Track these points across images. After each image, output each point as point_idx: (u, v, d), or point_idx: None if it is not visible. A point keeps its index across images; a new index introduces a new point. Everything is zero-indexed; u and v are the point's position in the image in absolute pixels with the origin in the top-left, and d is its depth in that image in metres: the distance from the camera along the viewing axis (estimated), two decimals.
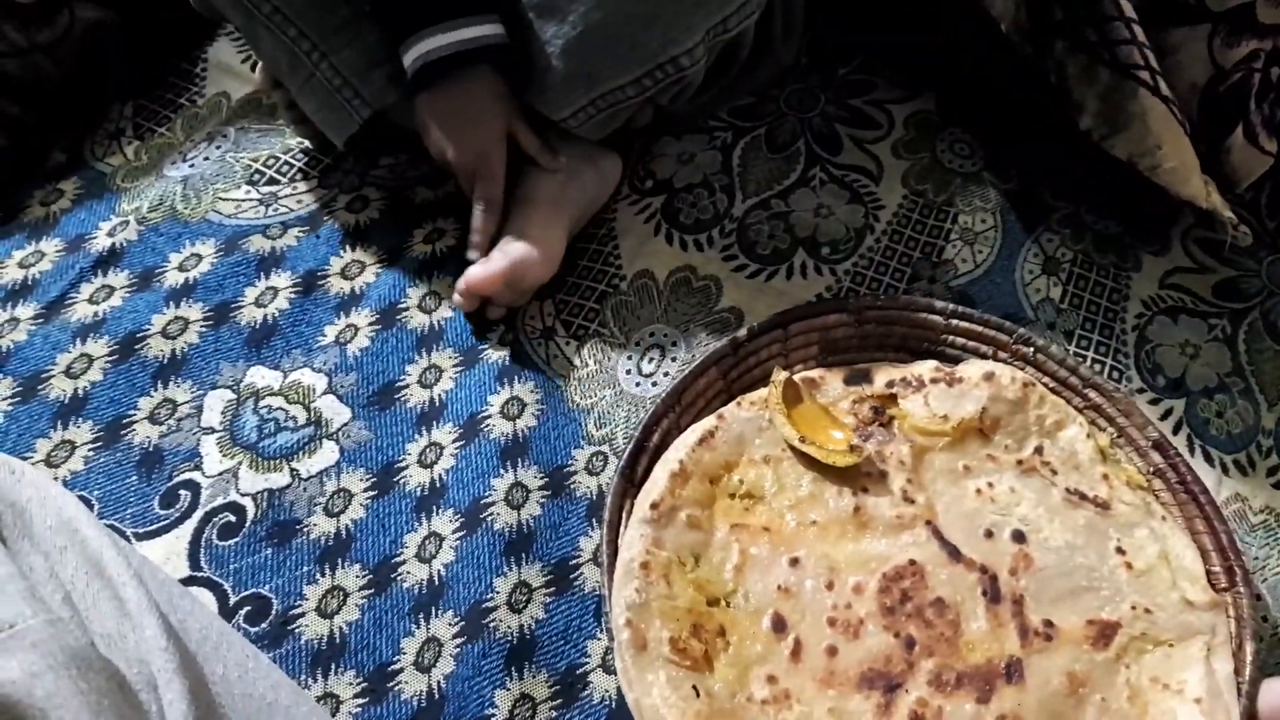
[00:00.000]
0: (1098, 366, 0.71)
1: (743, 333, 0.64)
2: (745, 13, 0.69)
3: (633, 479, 0.59)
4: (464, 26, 0.66)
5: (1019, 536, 0.56)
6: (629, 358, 0.71)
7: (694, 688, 0.49)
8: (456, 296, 0.71)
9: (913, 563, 0.55)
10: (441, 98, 0.69)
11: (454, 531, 0.62)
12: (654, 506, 0.56)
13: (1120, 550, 0.56)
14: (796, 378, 0.63)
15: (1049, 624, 0.53)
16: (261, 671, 0.48)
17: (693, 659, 0.51)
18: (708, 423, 0.60)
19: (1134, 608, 0.53)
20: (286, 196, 0.80)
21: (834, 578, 0.55)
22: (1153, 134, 0.70)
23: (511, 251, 0.69)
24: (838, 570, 0.55)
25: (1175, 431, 0.68)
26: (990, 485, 0.59)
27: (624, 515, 0.57)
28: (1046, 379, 0.63)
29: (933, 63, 0.88)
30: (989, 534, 0.57)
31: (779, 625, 0.53)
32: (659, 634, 0.51)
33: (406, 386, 0.69)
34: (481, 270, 0.68)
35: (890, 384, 0.63)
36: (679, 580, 0.54)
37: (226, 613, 0.58)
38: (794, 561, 0.55)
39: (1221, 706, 0.49)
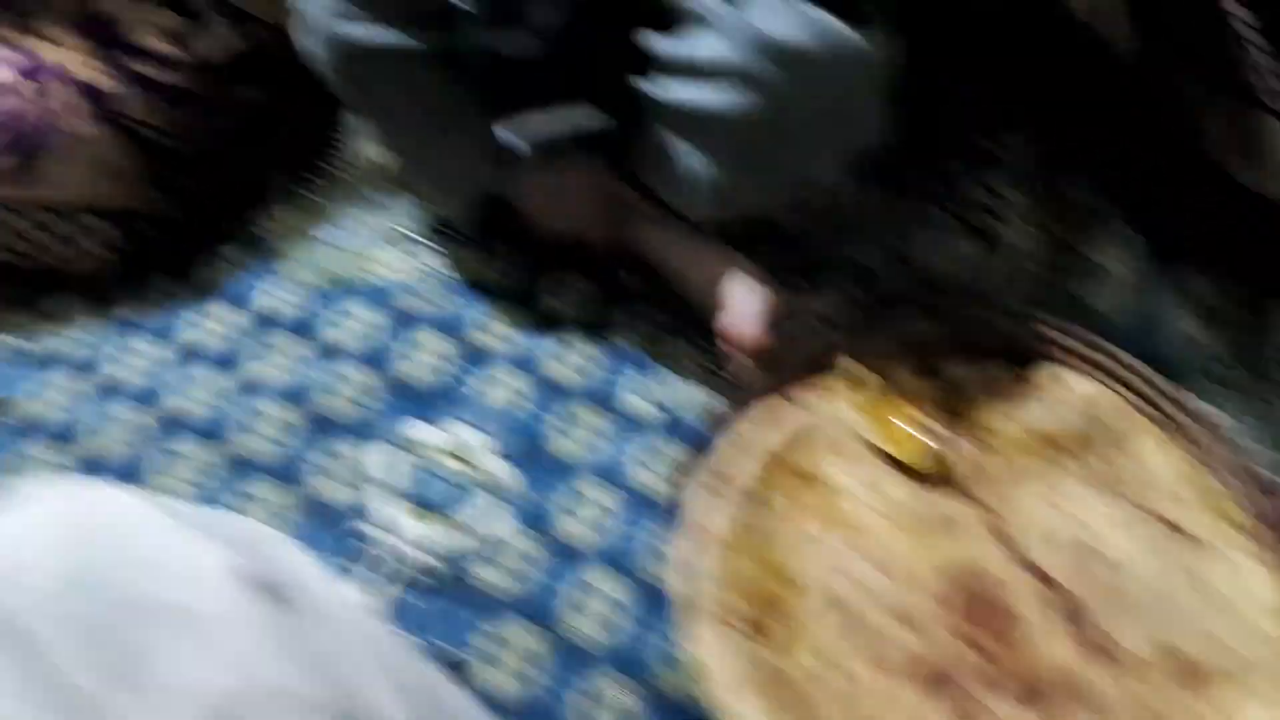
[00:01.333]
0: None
1: None
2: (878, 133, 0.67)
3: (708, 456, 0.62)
4: (567, 114, 0.67)
5: (1088, 550, 0.57)
6: None
7: (745, 650, 0.53)
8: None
9: (976, 564, 0.57)
10: (543, 177, 0.72)
11: (608, 584, 0.65)
12: (730, 484, 0.60)
13: (1192, 573, 0.56)
14: (875, 373, 0.64)
15: (1114, 642, 0.53)
16: None
17: (748, 625, 0.55)
18: (789, 409, 0.63)
19: (1208, 636, 0.53)
20: (430, 254, 0.84)
21: (896, 570, 0.57)
22: None
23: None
24: (901, 563, 0.57)
25: None
26: (1064, 497, 0.59)
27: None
28: (1133, 396, 0.63)
29: (1046, 100, 0.87)
30: (1058, 544, 0.57)
31: (835, 606, 0.56)
32: (716, 598, 0.55)
33: (550, 439, 0.72)
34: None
35: (970, 386, 0.63)
36: (744, 556, 0.58)
37: None
38: (859, 550, 0.58)
39: None
